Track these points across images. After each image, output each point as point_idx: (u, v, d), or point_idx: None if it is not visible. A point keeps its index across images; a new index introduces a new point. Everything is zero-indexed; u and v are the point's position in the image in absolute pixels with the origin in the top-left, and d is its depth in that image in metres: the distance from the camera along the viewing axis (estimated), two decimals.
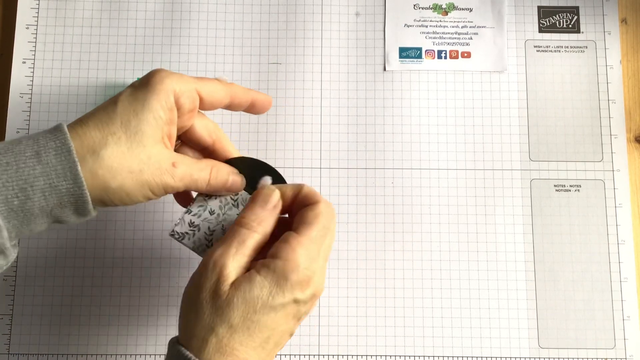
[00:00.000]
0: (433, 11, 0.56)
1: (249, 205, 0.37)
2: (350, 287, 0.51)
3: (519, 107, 0.54)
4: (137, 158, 0.34)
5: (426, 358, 0.51)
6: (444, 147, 0.54)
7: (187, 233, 0.39)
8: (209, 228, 0.39)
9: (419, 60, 0.55)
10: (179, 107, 0.36)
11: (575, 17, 0.56)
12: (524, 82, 0.55)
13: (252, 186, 0.40)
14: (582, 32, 0.56)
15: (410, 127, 0.54)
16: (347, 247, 0.52)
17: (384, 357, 0.51)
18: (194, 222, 0.39)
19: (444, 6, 0.56)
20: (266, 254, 0.36)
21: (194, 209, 0.39)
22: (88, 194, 0.34)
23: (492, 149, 0.54)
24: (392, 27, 0.56)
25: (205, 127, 0.40)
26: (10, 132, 0.53)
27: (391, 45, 0.55)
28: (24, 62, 0.54)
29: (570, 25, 0.56)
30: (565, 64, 0.55)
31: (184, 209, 0.40)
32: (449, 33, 0.56)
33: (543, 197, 0.53)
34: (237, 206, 0.40)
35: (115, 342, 0.50)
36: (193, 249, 0.39)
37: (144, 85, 0.36)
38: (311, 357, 0.50)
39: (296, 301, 0.35)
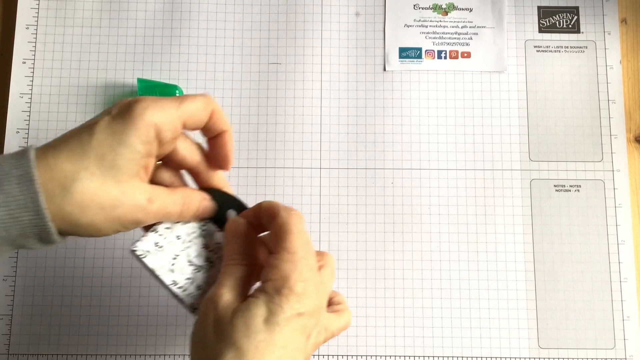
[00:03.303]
0: (433, 11, 0.56)
1: (225, 243, 0.37)
2: (350, 287, 0.51)
3: (519, 107, 0.54)
4: (109, 194, 0.33)
5: (426, 358, 0.51)
6: (444, 147, 0.54)
7: (150, 252, 0.37)
8: (173, 252, 0.37)
9: (419, 60, 0.55)
10: (159, 140, 0.34)
11: (575, 17, 0.56)
12: (524, 82, 0.55)
13: (221, 219, 0.39)
14: (582, 32, 0.56)
15: (410, 127, 0.54)
16: (347, 247, 0.52)
17: (384, 357, 0.51)
18: (158, 242, 0.37)
19: (444, 6, 0.56)
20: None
21: (160, 229, 0.37)
22: (52, 226, 0.32)
23: (492, 149, 0.54)
24: (392, 27, 0.56)
25: (187, 149, 0.38)
26: (10, 132, 0.53)
27: (391, 45, 0.55)
28: (24, 62, 0.54)
29: (570, 26, 0.56)
30: (565, 64, 0.55)
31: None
32: (449, 33, 0.56)
33: (543, 197, 0.53)
34: (204, 237, 0.39)
35: (115, 342, 0.50)
36: (153, 270, 0.37)
37: (123, 116, 0.33)
38: (311, 357, 0.50)
39: (299, 315, 0.34)
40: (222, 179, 0.39)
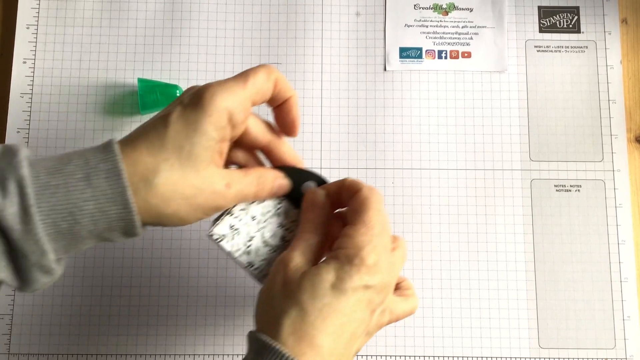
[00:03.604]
0: (433, 11, 0.56)
1: (302, 211, 0.38)
2: None
3: (519, 107, 0.54)
4: (190, 183, 0.34)
5: (426, 358, 0.51)
6: (444, 147, 0.54)
7: (225, 235, 0.38)
8: (248, 233, 0.38)
9: (419, 60, 0.55)
10: (232, 124, 0.35)
11: (576, 17, 0.56)
12: (524, 82, 0.55)
13: (297, 196, 0.39)
14: (583, 32, 0.56)
15: (410, 127, 0.54)
16: None
17: (384, 357, 0.50)
18: (234, 225, 0.38)
19: (444, 6, 0.56)
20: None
21: (236, 211, 0.38)
22: (138, 219, 0.33)
23: (492, 149, 0.54)
24: (393, 27, 0.56)
25: (258, 128, 0.38)
26: (10, 132, 0.53)
27: (391, 45, 0.55)
28: (24, 62, 0.54)
29: (570, 25, 0.56)
30: (565, 64, 0.55)
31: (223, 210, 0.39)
32: (449, 33, 0.56)
33: (543, 197, 0.53)
34: (279, 215, 0.39)
35: (116, 342, 0.50)
36: (229, 253, 0.38)
37: (195, 104, 0.34)
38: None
39: (366, 287, 0.34)
40: (295, 156, 0.40)
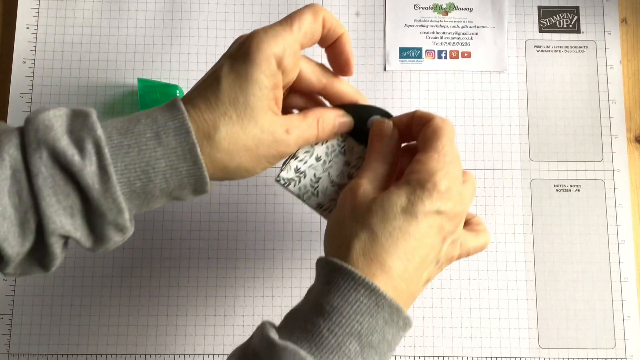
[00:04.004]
0: (433, 11, 0.56)
1: (369, 144, 0.38)
2: None
3: (519, 107, 0.54)
4: (250, 134, 0.34)
5: (426, 358, 0.51)
6: None
7: (292, 179, 0.38)
8: (314, 175, 0.38)
9: (419, 60, 0.55)
10: (282, 69, 0.35)
11: (576, 17, 0.56)
12: (524, 82, 0.55)
13: (361, 130, 0.39)
14: (582, 32, 0.56)
15: None
16: None
17: None
18: (299, 168, 0.38)
19: (444, 6, 0.56)
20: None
21: (300, 154, 0.38)
22: (207, 175, 0.33)
23: (492, 149, 0.54)
24: (393, 27, 0.56)
25: (312, 72, 0.38)
26: None
27: (391, 45, 0.55)
28: (24, 62, 0.54)
29: (570, 25, 0.56)
30: (565, 64, 0.55)
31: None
32: (449, 33, 0.56)
33: (543, 197, 0.53)
34: (344, 153, 0.39)
35: (115, 341, 0.50)
36: (298, 196, 0.38)
37: (242, 55, 0.34)
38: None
39: (438, 212, 0.34)
40: (355, 92, 0.39)
